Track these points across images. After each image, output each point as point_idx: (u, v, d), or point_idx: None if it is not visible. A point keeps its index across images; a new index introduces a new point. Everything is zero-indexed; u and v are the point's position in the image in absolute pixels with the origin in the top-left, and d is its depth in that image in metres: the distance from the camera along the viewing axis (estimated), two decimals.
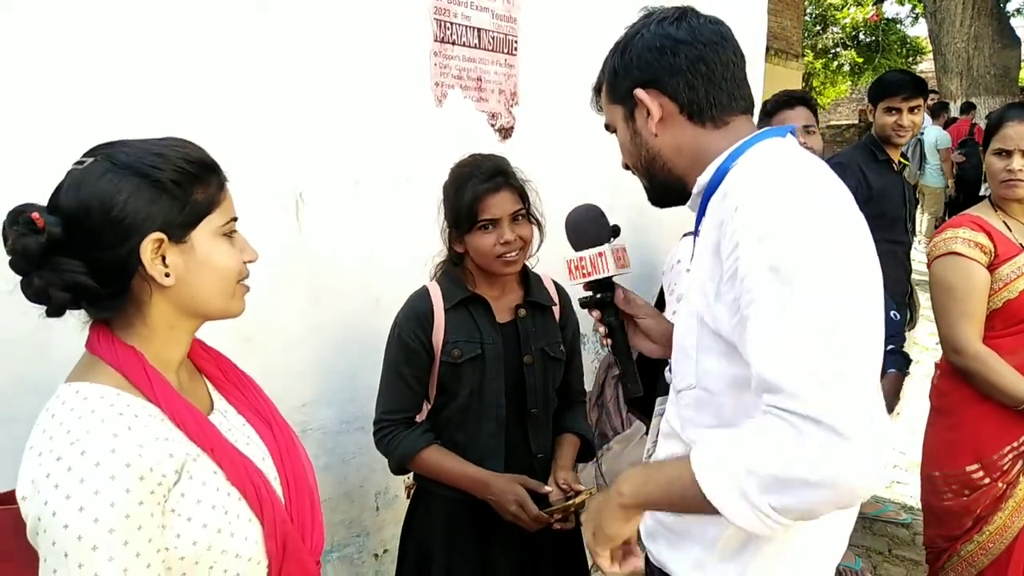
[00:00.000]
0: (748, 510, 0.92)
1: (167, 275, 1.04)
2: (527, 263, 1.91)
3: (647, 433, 2.36)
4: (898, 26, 21.58)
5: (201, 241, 1.07)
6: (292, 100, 1.99)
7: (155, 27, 1.70)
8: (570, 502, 1.79)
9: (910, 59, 21.13)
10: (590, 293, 1.43)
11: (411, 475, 1.96)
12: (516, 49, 2.69)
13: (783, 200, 0.99)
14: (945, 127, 9.68)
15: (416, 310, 1.84)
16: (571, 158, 2.88)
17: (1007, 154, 2.20)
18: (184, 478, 1.01)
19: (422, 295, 1.86)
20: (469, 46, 2.52)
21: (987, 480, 2.22)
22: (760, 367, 0.94)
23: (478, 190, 1.76)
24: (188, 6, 1.74)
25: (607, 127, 1.32)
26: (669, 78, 1.17)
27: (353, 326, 2.15)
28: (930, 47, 15.66)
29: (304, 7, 2.00)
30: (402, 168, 2.27)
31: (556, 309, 1.97)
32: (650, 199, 1.32)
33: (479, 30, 2.54)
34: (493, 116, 2.62)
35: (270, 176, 1.95)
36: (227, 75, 1.85)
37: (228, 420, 1.18)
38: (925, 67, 21.69)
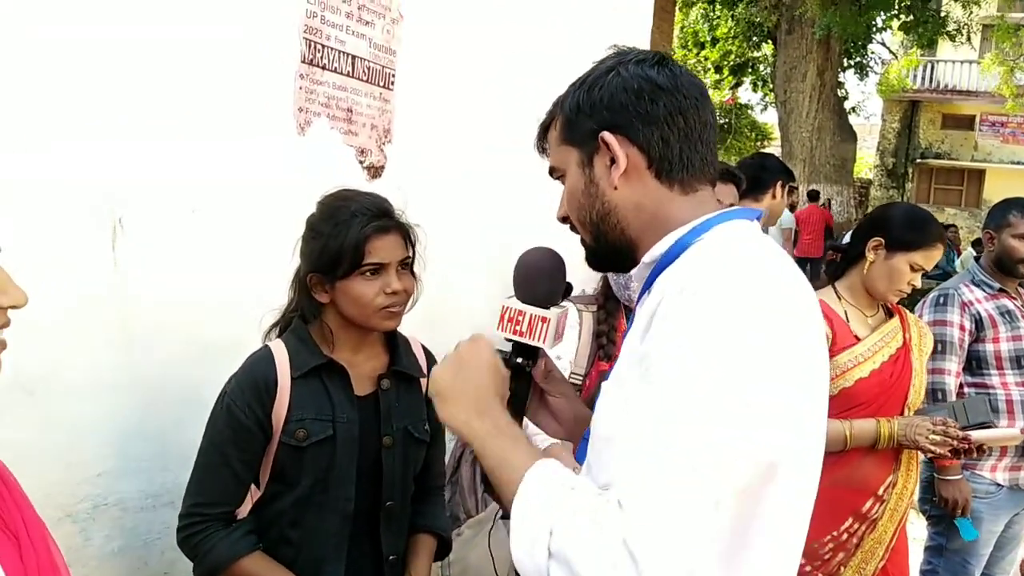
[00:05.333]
0: (528, 556, 0.86)
1: None
2: None
3: (503, 517, 2.15)
4: (749, 111, 23.23)
5: None
6: (117, 103, 1.66)
7: None
8: None
9: (759, 143, 22.75)
10: (510, 352, 1.19)
11: None
12: (393, 83, 2.47)
13: (736, 302, 0.87)
14: (791, 209, 10.33)
15: (255, 378, 1.51)
16: (445, 206, 2.67)
17: (917, 269, 2.16)
18: None
19: (264, 359, 1.54)
20: (341, 73, 2.27)
21: (808, 568, 2.16)
22: (619, 455, 0.87)
23: (367, 229, 1.48)
24: None
25: (552, 171, 1.13)
26: (644, 127, 1.02)
27: (172, 379, 1.80)
28: (777, 133, 16.89)
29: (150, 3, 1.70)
30: (251, 198, 1.97)
31: (424, 381, 1.67)
32: (589, 260, 1.14)
33: (354, 57, 2.31)
34: (362, 152, 2.38)
35: (80, 195, 1.61)
36: (30, 73, 1.51)
37: None
38: (770, 152, 23.33)
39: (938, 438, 2.09)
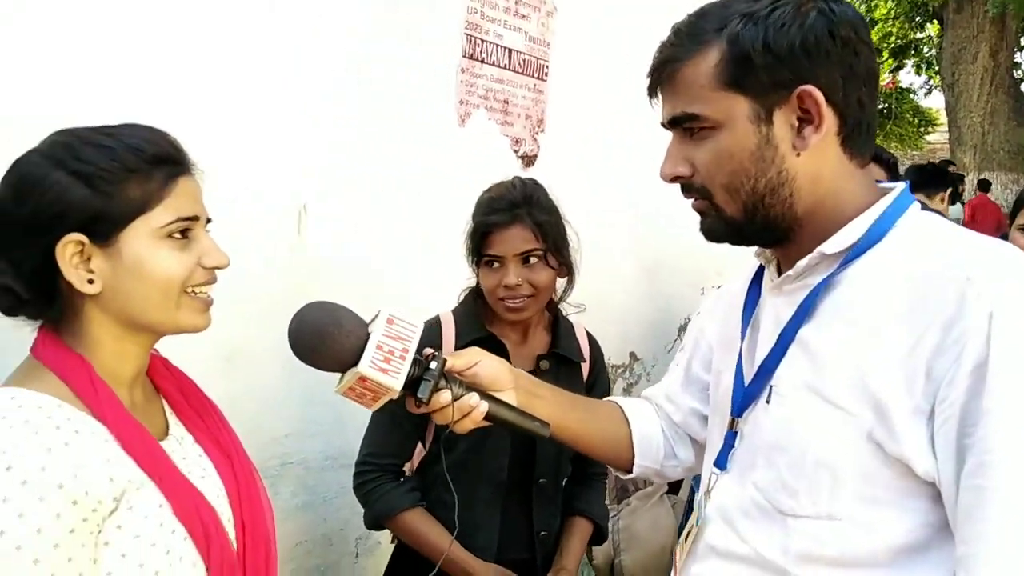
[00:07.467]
0: None
1: (90, 281, 0.90)
2: (570, 307, 1.70)
3: (668, 492, 2.19)
4: (911, 96, 21.73)
5: (131, 243, 0.91)
6: (304, 102, 1.83)
7: (159, 21, 1.55)
8: None
9: (922, 129, 21.26)
10: (423, 387, 1.00)
11: None
12: (547, 74, 2.55)
13: None
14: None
15: (423, 341, 1.64)
16: (593, 194, 2.73)
17: None
18: (123, 508, 0.87)
19: (433, 326, 1.63)
20: (499, 66, 2.38)
21: None
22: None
23: (487, 222, 1.54)
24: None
25: (682, 120, 0.89)
26: (846, 84, 0.83)
27: None
28: (941, 119, 15.73)
29: (330, 6, 1.86)
30: (417, 185, 2.11)
31: (585, 366, 1.72)
32: (717, 231, 0.92)
33: (510, 51, 2.40)
34: (517, 141, 2.47)
35: (271, 184, 1.79)
36: (233, 74, 1.70)
37: (183, 448, 1.03)
38: (934, 138, 21.79)
39: None
